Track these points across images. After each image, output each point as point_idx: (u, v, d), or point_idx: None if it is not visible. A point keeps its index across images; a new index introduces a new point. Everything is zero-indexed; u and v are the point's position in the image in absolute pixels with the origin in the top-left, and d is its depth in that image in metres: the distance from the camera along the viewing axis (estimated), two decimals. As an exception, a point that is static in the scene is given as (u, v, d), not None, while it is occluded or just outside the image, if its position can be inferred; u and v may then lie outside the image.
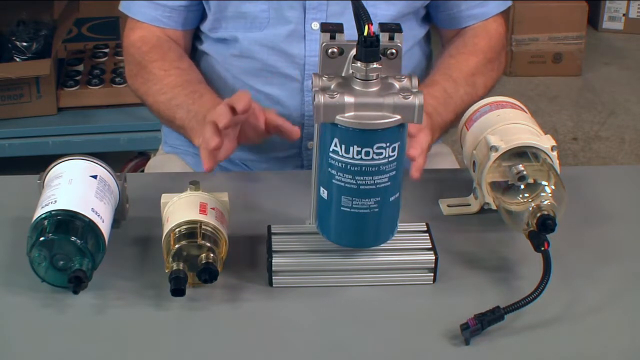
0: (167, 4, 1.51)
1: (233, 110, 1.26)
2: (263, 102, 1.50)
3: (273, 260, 1.12)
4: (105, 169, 1.20)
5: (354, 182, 1.05)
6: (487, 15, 1.54)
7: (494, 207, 1.23)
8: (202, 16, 1.54)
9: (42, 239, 1.08)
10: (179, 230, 1.11)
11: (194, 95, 1.43)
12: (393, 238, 1.13)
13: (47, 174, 1.19)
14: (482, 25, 1.54)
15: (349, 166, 1.05)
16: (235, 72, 1.53)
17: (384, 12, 1.45)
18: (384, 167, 1.05)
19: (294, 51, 1.48)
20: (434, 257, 1.13)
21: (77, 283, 1.07)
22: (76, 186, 1.15)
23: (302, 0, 1.45)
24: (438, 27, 1.59)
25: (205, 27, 1.53)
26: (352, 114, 1.02)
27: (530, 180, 1.15)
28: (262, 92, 1.51)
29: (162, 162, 1.65)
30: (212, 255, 1.09)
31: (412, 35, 1.53)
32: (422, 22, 1.56)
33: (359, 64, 1.03)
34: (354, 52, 1.04)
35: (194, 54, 1.59)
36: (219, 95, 1.50)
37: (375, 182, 1.05)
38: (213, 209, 1.14)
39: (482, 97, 1.34)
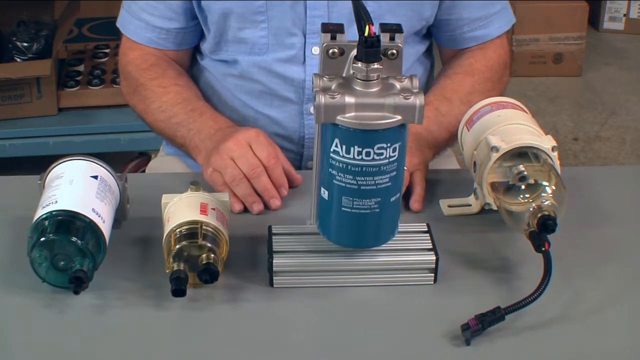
0: (163, 26, 1.50)
1: None
2: (262, 123, 1.49)
3: (274, 261, 1.12)
4: (106, 169, 1.20)
5: (355, 182, 1.05)
6: (488, 37, 1.52)
7: (494, 207, 1.23)
8: (201, 35, 1.53)
9: (42, 239, 1.08)
10: (180, 231, 1.11)
11: (194, 114, 1.43)
12: (394, 238, 1.13)
13: (47, 175, 1.20)
14: (479, 48, 1.52)
15: (349, 166, 1.05)
16: (234, 91, 1.52)
17: None
18: (385, 168, 1.05)
19: (293, 75, 1.47)
20: (434, 258, 1.13)
21: (77, 283, 1.07)
22: (77, 186, 1.15)
23: (303, 20, 1.43)
24: (439, 46, 1.58)
25: (205, 48, 1.52)
26: (352, 114, 1.02)
27: (531, 181, 1.15)
28: (262, 113, 1.50)
29: (163, 164, 1.65)
30: (212, 255, 1.09)
31: (413, 52, 1.51)
32: (423, 39, 1.55)
33: (359, 64, 1.03)
34: (354, 52, 1.04)
35: (194, 66, 1.58)
36: (218, 111, 1.49)
37: (376, 182, 1.05)
38: (214, 209, 1.14)
39: None
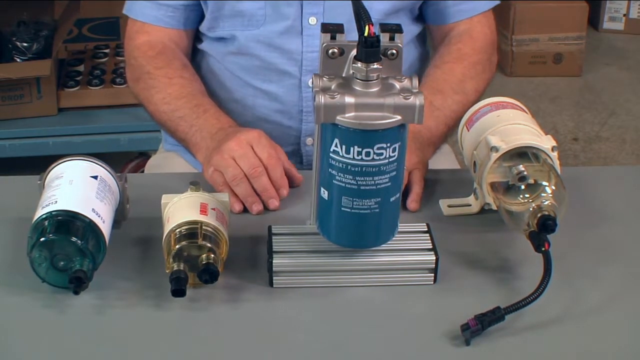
0: (169, 3, 1.52)
1: None
2: (261, 100, 1.51)
3: (274, 261, 1.12)
4: (106, 169, 1.20)
5: (355, 182, 1.05)
6: (474, 11, 1.54)
7: (494, 207, 1.23)
8: (202, 16, 1.54)
9: (42, 239, 1.08)
10: (180, 231, 1.11)
11: (198, 110, 1.44)
12: (394, 238, 1.13)
13: (47, 175, 1.20)
14: (466, 30, 1.54)
15: (349, 167, 1.05)
16: (233, 70, 1.53)
17: (378, 6, 1.46)
18: (385, 168, 1.05)
19: (291, 47, 1.49)
20: (434, 258, 1.13)
21: (77, 283, 1.07)
22: (77, 187, 1.15)
23: None
24: (428, 24, 1.59)
25: (203, 27, 1.54)
26: (352, 114, 1.02)
27: (531, 181, 1.15)
28: (260, 89, 1.52)
29: (163, 161, 1.65)
30: (212, 255, 1.09)
31: (407, 31, 1.52)
32: (417, 21, 1.57)
33: (359, 64, 1.03)
34: (354, 52, 1.04)
35: (194, 53, 1.59)
36: (218, 96, 1.50)
37: (376, 182, 1.05)
38: (214, 209, 1.14)
39: (474, 102, 1.34)
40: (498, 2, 1.57)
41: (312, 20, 1.47)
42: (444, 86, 1.47)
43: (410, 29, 1.55)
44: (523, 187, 1.15)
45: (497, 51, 1.59)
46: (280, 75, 1.50)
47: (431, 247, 1.15)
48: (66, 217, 1.10)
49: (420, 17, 1.57)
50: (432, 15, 1.57)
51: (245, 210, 1.28)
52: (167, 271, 1.09)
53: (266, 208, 1.28)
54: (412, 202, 1.29)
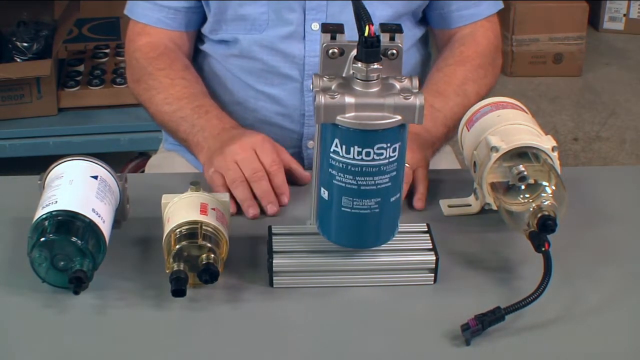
0: (171, 5, 1.52)
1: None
2: (263, 103, 1.51)
3: (274, 261, 1.12)
4: (106, 169, 1.20)
5: (355, 182, 1.05)
6: (477, 17, 1.54)
7: (494, 207, 1.23)
8: (204, 18, 1.54)
9: (42, 239, 1.08)
10: (180, 231, 1.11)
11: (200, 111, 1.44)
12: (394, 238, 1.13)
13: (47, 175, 1.20)
14: (469, 34, 1.54)
15: (349, 167, 1.05)
16: (235, 72, 1.53)
17: (380, 12, 1.46)
18: (385, 168, 1.05)
19: (293, 51, 1.49)
20: (434, 258, 1.13)
21: (77, 283, 1.07)
22: (77, 187, 1.15)
23: (302, 1, 1.46)
24: (432, 27, 1.60)
25: (205, 29, 1.54)
26: (352, 114, 1.02)
27: (531, 181, 1.15)
28: (262, 92, 1.52)
29: (163, 161, 1.65)
30: (212, 255, 1.09)
31: (410, 35, 1.53)
32: (419, 24, 1.57)
33: (359, 64, 1.03)
34: (354, 52, 1.04)
35: (196, 54, 1.59)
36: (219, 97, 1.50)
37: (376, 182, 1.05)
38: (214, 209, 1.14)
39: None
40: (501, 6, 1.57)
41: (315, 26, 1.47)
42: (445, 88, 1.47)
43: (413, 33, 1.55)
44: (523, 187, 1.15)
45: (503, 56, 1.59)
46: (283, 79, 1.50)
47: (431, 247, 1.15)
48: (66, 217, 1.10)
49: (423, 20, 1.57)
50: (435, 19, 1.57)
51: (241, 213, 1.27)
52: (167, 271, 1.09)
53: (263, 213, 1.27)
54: (418, 201, 1.29)
